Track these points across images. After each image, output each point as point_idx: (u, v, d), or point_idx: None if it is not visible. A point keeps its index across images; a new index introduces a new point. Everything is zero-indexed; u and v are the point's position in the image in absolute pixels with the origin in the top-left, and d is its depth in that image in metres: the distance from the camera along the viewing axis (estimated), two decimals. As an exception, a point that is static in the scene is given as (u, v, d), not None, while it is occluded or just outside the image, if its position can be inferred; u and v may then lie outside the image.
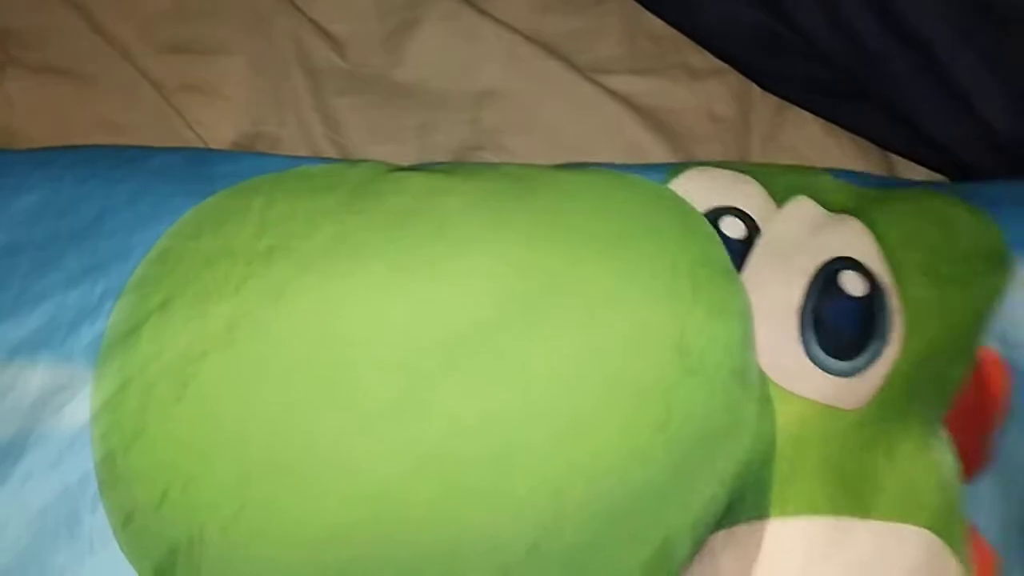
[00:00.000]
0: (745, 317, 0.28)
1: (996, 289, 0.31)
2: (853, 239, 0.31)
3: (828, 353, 0.29)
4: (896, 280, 0.30)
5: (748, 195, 0.32)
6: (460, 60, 0.41)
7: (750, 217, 0.31)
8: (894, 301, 0.30)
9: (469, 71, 0.41)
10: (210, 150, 0.38)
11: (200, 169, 0.33)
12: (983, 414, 0.30)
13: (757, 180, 0.33)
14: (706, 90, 0.39)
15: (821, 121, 0.39)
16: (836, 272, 0.30)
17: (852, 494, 0.28)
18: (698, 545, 0.26)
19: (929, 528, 0.28)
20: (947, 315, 0.30)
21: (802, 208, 0.32)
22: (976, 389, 0.30)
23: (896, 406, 0.29)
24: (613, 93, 0.40)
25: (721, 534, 0.27)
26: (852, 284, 0.30)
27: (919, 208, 0.32)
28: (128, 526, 0.26)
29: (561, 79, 0.40)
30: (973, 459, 0.30)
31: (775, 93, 0.40)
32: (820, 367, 0.29)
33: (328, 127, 0.40)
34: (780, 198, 0.32)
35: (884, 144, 0.39)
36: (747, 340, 0.28)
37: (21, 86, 0.39)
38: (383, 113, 0.40)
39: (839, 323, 0.29)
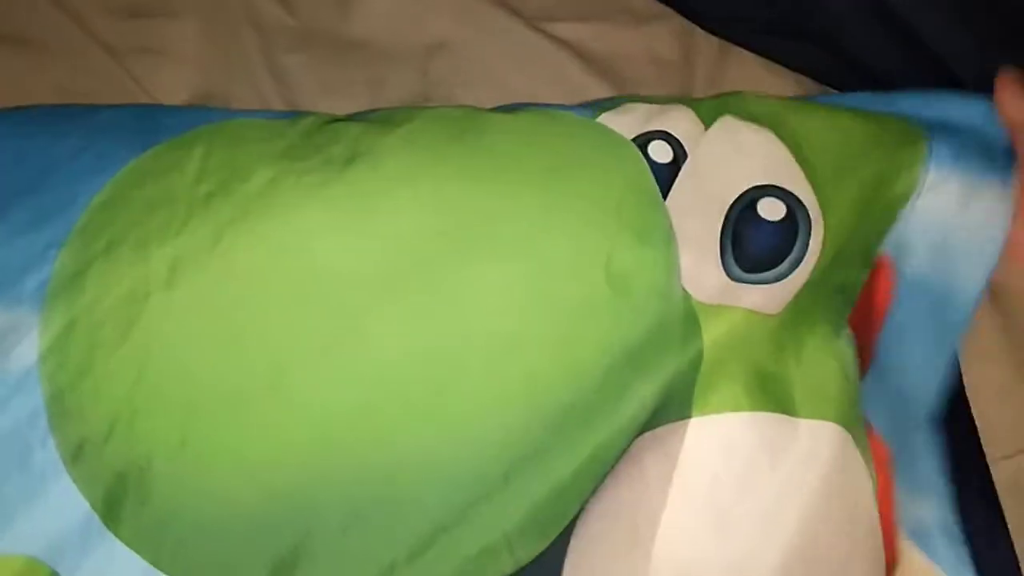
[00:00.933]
0: (668, 242, 0.29)
1: (904, 196, 0.31)
2: (773, 159, 0.32)
3: (747, 271, 0.30)
4: (815, 189, 0.31)
5: (676, 119, 0.32)
6: (409, 13, 0.41)
7: (678, 141, 0.32)
8: (814, 211, 0.30)
9: (418, 24, 0.41)
10: (157, 105, 0.38)
11: (145, 123, 0.33)
12: (875, 315, 0.31)
13: (685, 105, 0.34)
14: (649, 34, 0.40)
15: (763, 60, 0.40)
16: (755, 200, 0.31)
17: (769, 392, 0.29)
18: (623, 450, 0.27)
19: (838, 423, 0.29)
20: (860, 221, 0.31)
21: (727, 128, 0.33)
22: (871, 290, 0.31)
23: (809, 308, 0.31)
24: (559, 40, 0.40)
25: (646, 435, 0.28)
26: (770, 210, 0.31)
27: (835, 117, 0.33)
28: (78, 458, 0.27)
29: (508, 29, 0.41)
30: (864, 357, 0.31)
31: (717, 35, 0.40)
32: (741, 281, 0.30)
33: (279, 84, 0.40)
34: (708, 120, 0.33)
35: (826, 81, 0.40)
36: (671, 263, 0.29)
37: (-28, 54, 0.39)
38: (333, 68, 0.41)
39: (759, 245, 0.30)
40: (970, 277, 0.31)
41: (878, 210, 0.32)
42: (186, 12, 0.41)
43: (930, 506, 0.31)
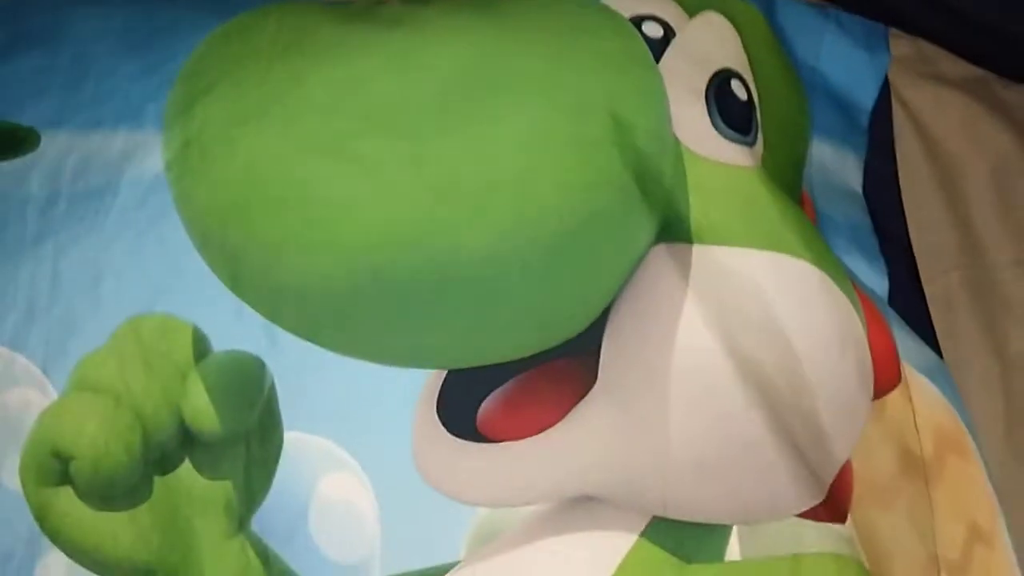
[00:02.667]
0: (662, 95, 0.34)
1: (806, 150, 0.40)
2: (740, 55, 0.40)
3: (729, 127, 0.37)
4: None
5: (664, 7, 0.40)
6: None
7: (667, 22, 0.39)
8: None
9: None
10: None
11: (222, 6, 0.40)
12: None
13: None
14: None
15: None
16: (728, 78, 0.38)
17: (757, 230, 0.35)
18: (641, 257, 0.33)
19: (824, 271, 0.35)
20: (785, 153, 0.39)
21: (708, 19, 0.40)
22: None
23: (773, 175, 0.38)
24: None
25: (659, 247, 0.34)
26: (739, 90, 0.38)
27: (781, 57, 0.42)
28: (204, 246, 0.33)
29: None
30: None
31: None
32: (724, 136, 0.37)
33: None
34: (691, 12, 0.40)
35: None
36: (664, 112, 0.34)
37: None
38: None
39: (734, 112, 0.37)
40: None
41: (796, 153, 0.40)
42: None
43: None
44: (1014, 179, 0.44)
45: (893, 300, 0.41)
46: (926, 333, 0.40)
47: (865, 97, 0.46)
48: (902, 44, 0.48)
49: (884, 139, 0.45)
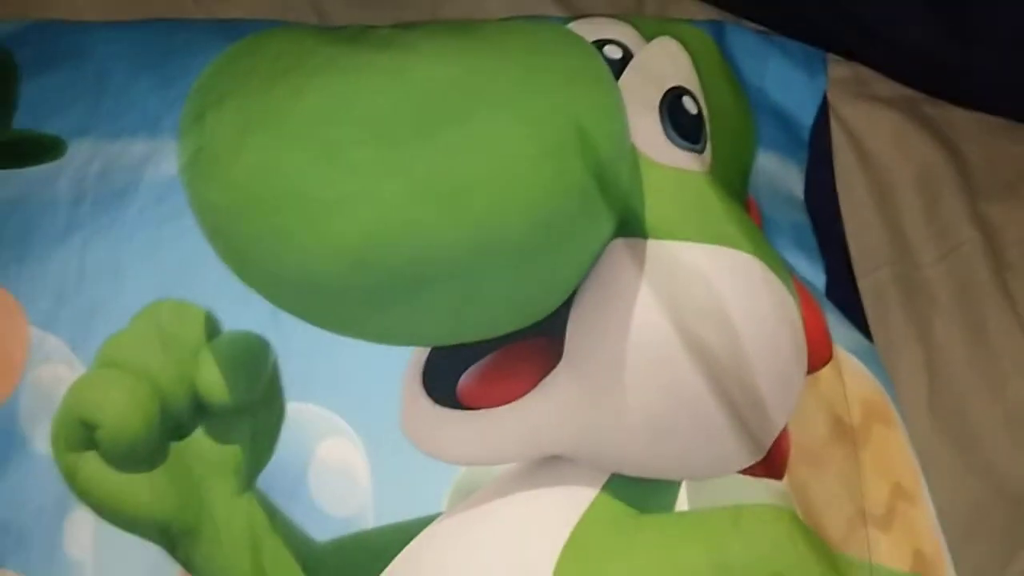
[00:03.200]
0: (621, 108, 0.38)
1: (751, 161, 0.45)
2: (692, 76, 0.45)
3: (680, 136, 0.41)
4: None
5: (623, 33, 0.44)
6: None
7: (625, 46, 0.44)
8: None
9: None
10: (240, 19, 0.49)
11: (234, 28, 0.45)
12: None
13: (630, 24, 0.46)
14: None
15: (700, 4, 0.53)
16: (680, 95, 0.43)
17: (705, 227, 0.39)
18: (600, 252, 0.37)
19: (764, 262, 0.40)
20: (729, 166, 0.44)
21: (663, 43, 0.45)
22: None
23: (721, 181, 0.42)
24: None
25: (617, 242, 0.38)
26: (691, 106, 0.43)
27: (728, 81, 0.46)
28: (215, 239, 0.37)
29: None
30: None
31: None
32: (676, 145, 0.41)
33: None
34: (648, 37, 0.45)
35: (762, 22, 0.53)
36: (623, 123, 0.37)
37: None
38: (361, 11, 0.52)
39: (686, 124, 0.41)
40: None
41: (743, 163, 0.45)
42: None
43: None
44: (938, 186, 0.49)
45: (830, 293, 0.45)
46: (859, 322, 0.44)
47: (805, 114, 0.51)
48: (840, 68, 0.53)
49: (823, 151, 0.50)
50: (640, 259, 0.38)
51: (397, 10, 0.52)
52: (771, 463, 0.38)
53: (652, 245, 0.38)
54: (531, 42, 0.42)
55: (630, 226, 0.38)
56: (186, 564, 0.35)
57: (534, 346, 0.37)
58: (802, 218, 0.48)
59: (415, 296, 0.35)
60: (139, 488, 0.36)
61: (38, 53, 0.43)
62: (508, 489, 0.36)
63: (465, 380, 0.37)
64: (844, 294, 0.46)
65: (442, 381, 0.37)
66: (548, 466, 0.36)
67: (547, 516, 0.36)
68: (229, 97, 0.38)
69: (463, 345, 0.37)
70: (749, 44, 0.50)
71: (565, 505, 0.36)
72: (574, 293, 0.37)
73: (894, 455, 0.40)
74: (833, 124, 0.51)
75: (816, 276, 0.46)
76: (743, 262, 0.39)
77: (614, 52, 0.43)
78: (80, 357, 0.36)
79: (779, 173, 0.49)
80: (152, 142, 0.40)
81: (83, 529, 0.35)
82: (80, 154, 0.40)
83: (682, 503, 0.36)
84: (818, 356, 0.40)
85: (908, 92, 0.52)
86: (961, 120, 0.52)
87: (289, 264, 0.35)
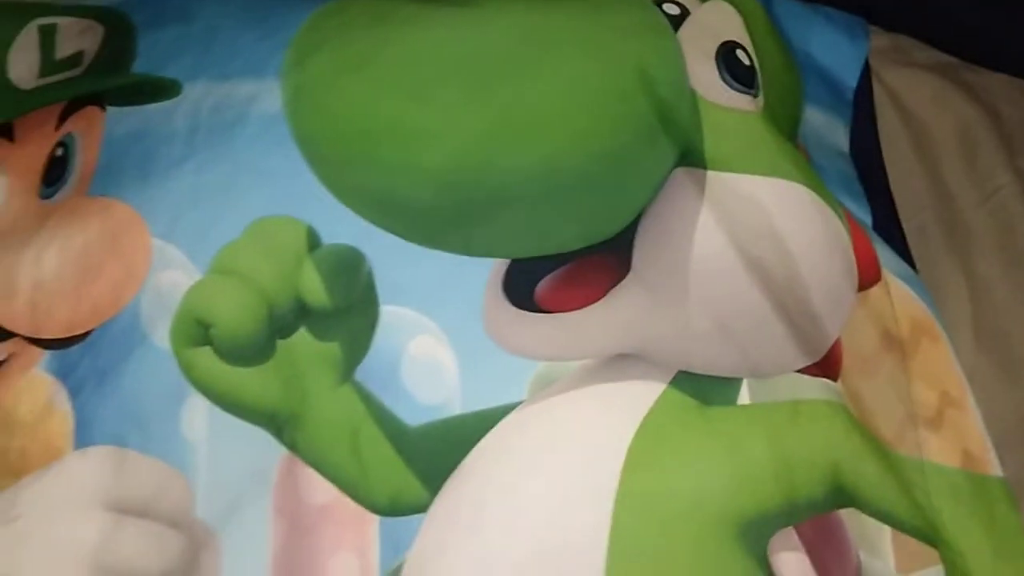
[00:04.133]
0: (679, 55, 0.42)
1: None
2: (745, 34, 0.48)
3: (737, 80, 0.45)
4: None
5: None
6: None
7: (683, 5, 0.48)
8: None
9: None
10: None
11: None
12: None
13: None
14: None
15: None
16: (734, 48, 0.46)
17: (759, 160, 0.42)
18: (665, 178, 0.40)
19: (815, 192, 0.43)
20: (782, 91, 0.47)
21: (718, 5, 0.49)
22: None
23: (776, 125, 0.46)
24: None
25: (679, 170, 0.42)
26: (743, 57, 0.46)
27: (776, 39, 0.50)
28: (315, 164, 0.41)
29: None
30: None
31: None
32: (732, 88, 0.45)
33: None
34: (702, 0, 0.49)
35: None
36: (682, 68, 0.41)
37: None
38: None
39: (741, 71, 0.45)
40: None
41: (792, 115, 0.48)
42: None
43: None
44: (976, 141, 0.53)
45: (876, 230, 0.48)
46: (904, 255, 0.47)
47: (849, 76, 0.54)
48: (880, 38, 0.57)
49: (866, 109, 0.53)
50: (700, 187, 0.41)
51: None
52: (826, 365, 0.41)
53: (711, 175, 0.41)
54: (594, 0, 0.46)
55: (691, 157, 0.42)
56: (291, 447, 0.39)
57: (604, 260, 0.41)
58: (848, 168, 0.52)
59: (494, 216, 0.39)
60: (249, 380, 0.39)
61: (151, 14, 0.48)
62: (584, 381, 0.39)
63: (542, 287, 0.40)
64: (889, 232, 0.49)
65: (521, 288, 0.40)
66: (619, 362, 0.40)
67: (620, 405, 0.39)
68: (325, 44, 0.42)
69: (540, 257, 0.40)
70: (795, 11, 0.54)
71: (636, 396, 0.39)
72: (640, 215, 0.40)
73: (941, 366, 0.42)
74: (875, 86, 0.54)
75: (863, 216, 0.49)
76: (795, 191, 0.42)
77: (672, 9, 0.47)
78: (196, 264, 0.40)
79: (825, 127, 0.53)
80: (258, 83, 0.44)
81: (198, 414, 0.39)
82: (194, 93, 0.44)
83: (744, 398, 0.39)
84: (867, 276, 0.43)
85: (946, 58, 0.56)
86: (998, 84, 0.55)
87: (380, 186, 0.39)
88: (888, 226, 0.48)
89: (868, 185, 0.51)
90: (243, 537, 0.37)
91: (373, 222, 0.40)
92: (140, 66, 0.45)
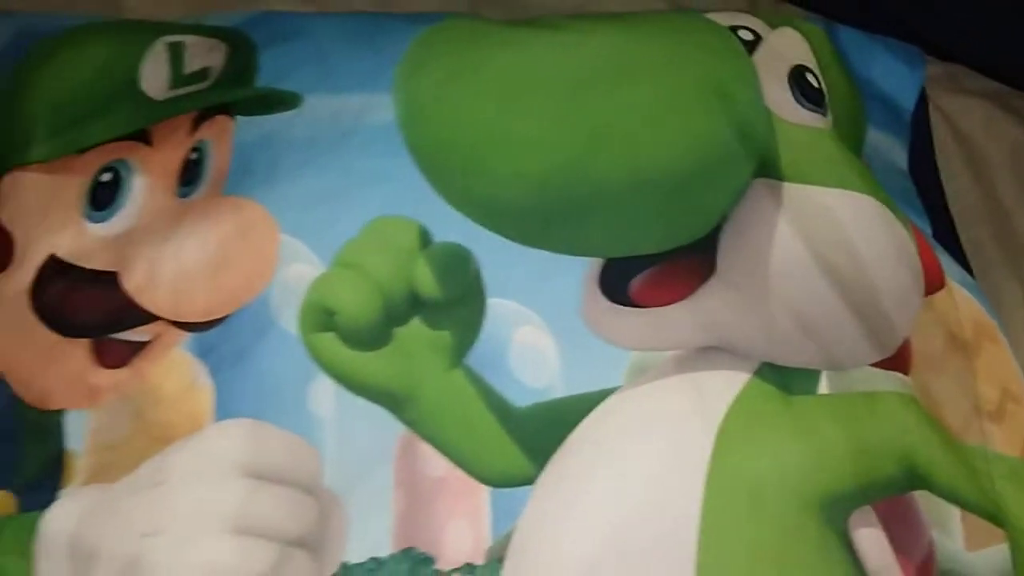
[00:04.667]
0: (755, 76, 0.46)
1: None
2: (811, 57, 0.52)
3: (808, 100, 0.49)
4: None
5: (753, 22, 0.52)
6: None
7: (756, 32, 0.52)
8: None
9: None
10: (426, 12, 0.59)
11: (420, 19, 0.54)
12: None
13: (758, 17, 0.54)
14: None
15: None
16: (804, 71, 0.50)
17: (830, 173, 0.45)
18: (744, 189, 0.43)
19: (882, 204, 0.47)
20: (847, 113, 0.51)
21: (788, 32, 0.53)
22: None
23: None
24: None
25: (757, 181, 0.46)
26: (812, 80, 0.50)
27: (840, 66, 0.54)
28: (426, 170, 0.45)
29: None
30: None
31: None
32: (803, 107, 0.49)
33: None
34: (773, 27, 0.53)
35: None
36: (758, 89, 0.45)
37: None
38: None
39: (812, 92, 0.49)
40: None
41: (856, 135, 0.52)
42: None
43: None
44: (1028, 161, 0.56)
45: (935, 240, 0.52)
46: (963, 264, 0.51)
47: (907, 101, 0.58)
48: (935, 66, 0.61)
49: (923, 133, 0.57)
50: (778, 196, 0.45)
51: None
52: (898, 361, 0.44)
53: (787, 186, 0.45)
54: (676, 25, 0.50)
55: (768, 169, 0.45)
56: (409, 424, 0.43)
57: (691, 261, 0.44)
58: (908, 184, 0.55)
59: (589, 219, 0.43)
60: (369, 363, 0.43)
61: (267, 34, 0.52)
62: (675, 369, 0.43)
63: (635, 284, 0.44)
64: (947, 244, 0.52)
65: (615, 284, 0.44)
66: (708, 353, 0.43)
67: (710, 391, 0.42)
68: (432, 61, 0.46)
69: (632, 257, 0.44)
70: (857, 40, 0.58)
71: (725, 384, 0.42)
72: (723, 221, 0.44)
73: (1002, 366, 0.46)
74: (931, 110, 0.58)
75: (924, 227, 0.53)
76: (865, 202, 0.46)
77: (746, 35, 0.51)
78: (320, 258, 0.44)
79: (886, 147, 0.56)
80: (369, 96, 0.48)
81: (324, 392, 0.43)
82: (313, 104, 0.48)
83: (823, 388, 0.43)
84: (932, 282, 0.47)
85: (996, 86, 0.60)
86: (1046, 110, 0.59)
87: (484, 190, 0.43)
88: (946, 238, 0.51)
89: (926, 201, 0.54)
90: (368, 505, 0.41)
91: (480, 223, 0.44)
92: (262, 80, 0.50)
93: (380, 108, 0.47)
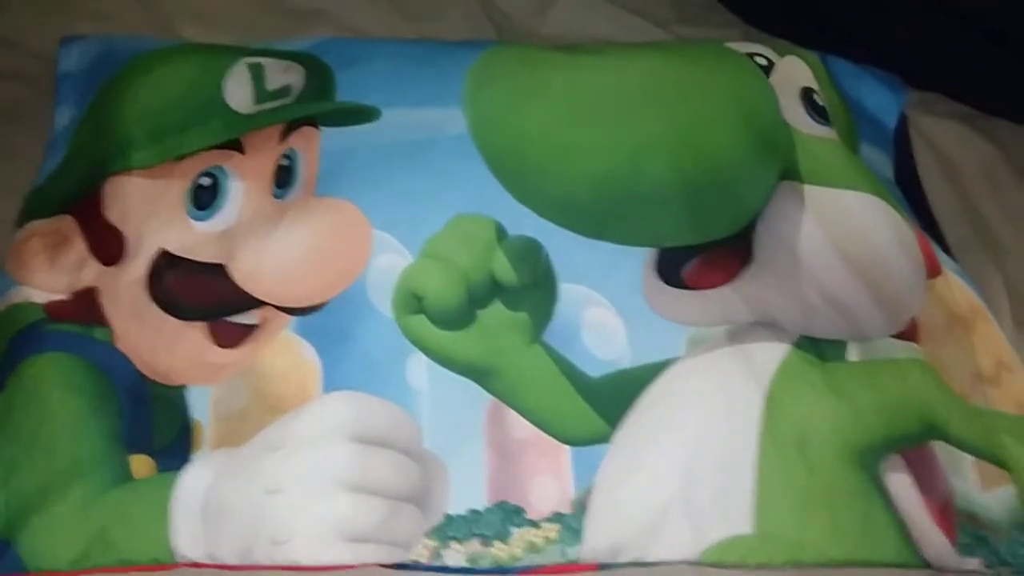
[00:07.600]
0: (774, 94, 0.55)
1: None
2: (814, 81, 0.60)
3: (818, 115, 0.57)
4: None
5: (764, 50, 0.61)
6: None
7: (769, 58, 0.60)
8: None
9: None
10: (480, 39, 0.65)
11: (475, 45, 0.60)
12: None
13: (768, 46, 0.62)
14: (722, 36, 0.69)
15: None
16: (812, 91, 0.59)
17: (843, 176, 0.54)
18: (773, 188, 0.51)
19: (887, 202, 0.55)
20: (843, 127, 0.59)
21: (794, 60, 0.61)
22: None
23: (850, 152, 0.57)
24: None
25: (783, 183, 0.53)
26: (819, 99, 0.58)
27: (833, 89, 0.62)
28: (498, 173, 0.51)
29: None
30: None
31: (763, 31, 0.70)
32: (815, 121, 0.57)
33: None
34: (781, 55, 0.61)
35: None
36: (776, 105, 0.54)
37: None
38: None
39: (817, 109, 0.58)
40: None
41: (852, 147, 0.60)
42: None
43: None
44: (995, 172, 0.65)
45: (925, 238, 0.59)
46: (951, 255, 0.59)
47: (890, 119, 0.66)
48: (912, 94, 0.69)
49: (904, 148, 0.65)
50: (801, 196, 0.52)
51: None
52: (908, 334, 0.51)
53: (808, 188, 0.53)
54: (704, 51, 0.58)
55: (791, 173, 0.53)
56: (495, 394, 0.48)
57: (732, 249, 0.52)
58: (896, 192, 0.63)
59: (641, 214, 0.50)
60: (457, 341, 0.48)
61: (338, 57, 0.58)
62: (727, 342, 0.49)
63: (687, 270, 0.51)
64: (936, 239, 0.60)
65: (670, 270, 0.51)
66: (753, 328, 0.50)
67: (758, 360, 0.49)
68: (496, 81, 0.54)
69: (681, 247, 0.51)
70: (847, 68, 0.66)
71: (770, 353, 0.49)
72: (757, 217, 0.51)
73: (994, 340, 0.53)
74: (910, 128, 0.66)
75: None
76: (872, 200, 0.54)
77: (762, 60, 0.59)
78: (409, 250, 0.50)
79: (875, 159, 0.64)
80: (441, 110, 0.54)
81: (419, 367, 0.48)
82: (391, 117, 0.54)
83: (852, 356, 0.50)
84: (931, 269, 0.54)
85: (966, 109, 0.68)
86: (1006, 129, 0.67)
87: (551, 189, 0.50)
88: (934, 236, 0.59)
89: (912, 203, 0.62)
90: (464, 464, 0.46)
91: (548, 219, 0.51)
92: (342, 96, 0.55)
93: (452, 120, 0.53)
